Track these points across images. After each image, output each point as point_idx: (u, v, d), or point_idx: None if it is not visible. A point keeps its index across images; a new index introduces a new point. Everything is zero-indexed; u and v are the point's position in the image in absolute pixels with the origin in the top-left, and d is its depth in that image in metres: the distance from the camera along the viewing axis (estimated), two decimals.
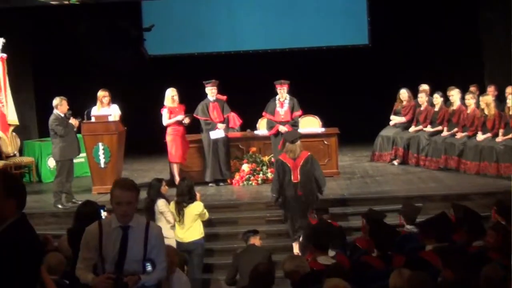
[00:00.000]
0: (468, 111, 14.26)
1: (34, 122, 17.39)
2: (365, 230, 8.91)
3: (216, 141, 13.91)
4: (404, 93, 15.63)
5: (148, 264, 5.64)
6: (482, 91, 14.85)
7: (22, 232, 4.54)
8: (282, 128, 13.60)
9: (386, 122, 15.93)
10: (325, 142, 14.46)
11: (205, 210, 10.67)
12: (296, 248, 11.12)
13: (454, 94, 14.62)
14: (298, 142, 11.49)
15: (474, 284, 6.01)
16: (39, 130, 17.11)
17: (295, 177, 11.29)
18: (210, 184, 13.92)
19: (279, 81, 13.78)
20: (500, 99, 14.43)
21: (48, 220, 12.22)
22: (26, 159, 15.73)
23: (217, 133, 13.84)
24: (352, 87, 18.03)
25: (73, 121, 12.88)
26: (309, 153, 11.60)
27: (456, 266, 6.50)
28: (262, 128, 14.77)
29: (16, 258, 4.40)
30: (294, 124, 13.72)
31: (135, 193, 5.58)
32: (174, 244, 10.35)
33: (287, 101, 13.77)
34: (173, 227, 10.62)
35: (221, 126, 13.88)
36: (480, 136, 13.85)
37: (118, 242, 5.59)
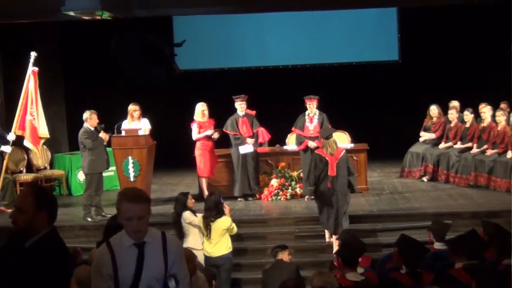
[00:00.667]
0: (499, 128, 14.18)
1: (64, 135, 17.50)
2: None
3: (245, 156, 13.91)
4: (434, 110, 15.57)
5: (171, 280, 4.96)
6: None
7: (53, 245, 4.60)
8: (312, 144, 13.58)
9: (415, 138, 15.87)
10: (354, 158, 14.40)
11: (233, 225, 10.66)
12: (335, 244, 11.35)
13: (486, 111, 14.51)
14: (333, 138, 11.93)
15: None
16: (69, 143, 17.22)
17: (332, 171, 11.68)
18: (239, 199, 13.92)
19: (309, 96, 13.80)
20: None
21: (78, 233, 12.29)
22: (56, 172, 15.84)
23: (246, 148, 13.85)
24: (381, 103, 17.98)
25: (103, 135, 12.97)
26: (344, 150, 12.17)
27: (486, 284, 6.45)
28: (291, 143, 14.75)
29: (46, 270, 4.46)
30: None
31: (146, 205, 4.82)
32: (202, 257, 10.40)
33: (316, 116, 13.77)
34: (198, 240, 10.65)
35: (250, 141, 13.89)
36: (510, 154, 13.76)
37: (134, 262, 4.84)
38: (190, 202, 10.77)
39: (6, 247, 4.71)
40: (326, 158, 11.73)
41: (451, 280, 7.16)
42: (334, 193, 11.66)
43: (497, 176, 13.88)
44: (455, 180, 14.69)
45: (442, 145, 15.18)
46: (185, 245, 10.40)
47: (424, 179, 15.28)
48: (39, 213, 4.57)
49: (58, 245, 4.67)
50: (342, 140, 15.08)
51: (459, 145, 14.88)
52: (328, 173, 11.71)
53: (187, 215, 10.61)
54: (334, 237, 11.65)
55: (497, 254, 8.16)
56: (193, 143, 13.93)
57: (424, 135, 15.71)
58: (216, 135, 13.78)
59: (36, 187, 4.89)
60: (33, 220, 4.56)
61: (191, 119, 13.95)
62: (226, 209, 10.79)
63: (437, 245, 9.05)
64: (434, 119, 15.59)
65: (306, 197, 12.65)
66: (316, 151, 12.27)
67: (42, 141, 14.20)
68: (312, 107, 13.76)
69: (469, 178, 14.36)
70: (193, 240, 10.56)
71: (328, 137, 11.89)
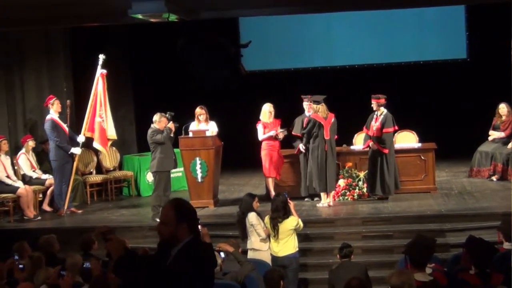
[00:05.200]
0: None
1: (133, 137, 17.71)
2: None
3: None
4: (503, 108, 15.35)
5: None
6: None
7: (195, 251, 5.01)
8: (371, 145, 13.52)
9: (484, 137, 15.66)
10: (422, 158, 14.30)
11: (300, 223, 10.63)
12: (324, 198, 13.35)
13: None
14: (323, 104, 13.53)
15: None
16: (138, 145, 17.43)
17: (327, 134, 13.35)
18: (306, 199, 13.88)
19: (376, 95, 13.69)
20: None
21: (147, 234, 12.38)
22: (125, 173, 16.03)
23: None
24: (449, 102, 17.81)
25: (171, 125, 13.06)
26: (334, 115, 13.62)
27: None
28: (358, 143, 14.69)
29: (191, 273, 4.90)
30: (382, 141, 13.51)
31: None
32: (268, 258, 10.42)
33: (381, 116, 13.64)
34: (263, 240, 10.62)
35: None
36: None
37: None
38: (256, 204, 10.77)
39: (156, 255, 5.20)
40: (321, 122, 13.31)
41: None
42: (327, 155, 13.23)
43: None
44: None
45: None
46: (249, 246, 10.43)
47: (493, 178, 15.06)
48: (180, 225, 5.00)
49: (200, 250, 5.08)
50: (410, 139, 15.00)
51: None
52: (324, 136, 13.30)
53: (252, 216, 10.60)
54: (330, 194, 13.42)
55: None
56: (259, 144, 13.95)
57: (493, 134, 15.50)
58: (281, 135, 13.79)
59: (177, 202, 5.22)
60: (176, 231, 5.00)
61: (257, 119, 13.98)
62: (291, 204, 10.78)
63: (507, 245, 8.90)
64: (503, 118, 15.37)
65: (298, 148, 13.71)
66: (312, 116, 13.59)
67: (110, 142, 14.39)
68: (377, 106, 13.64)
69: None
70: (256, 241, 10.57)
71: (319, 102, 13.48)
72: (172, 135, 13.14)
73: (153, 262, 5.13)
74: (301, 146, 13.63)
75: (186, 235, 5.03)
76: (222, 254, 9.07)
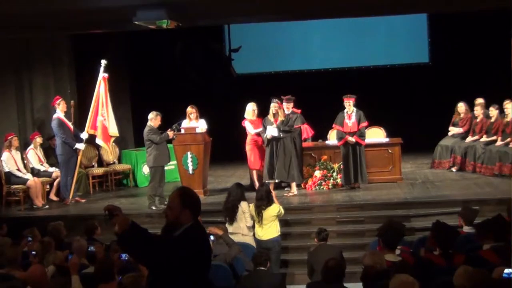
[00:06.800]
0: None
1: (130, 134, 17.66)
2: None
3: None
4: (461, 106, 15.45)
5: None
6: None
7: (194, 235, 5.08)
8: (350, 139, 13.55)
9: (445, 132, 15.73)
10: (389, 151, 14.36)
11: (281, 210, 10.65)
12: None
13: (509, 107, 14.32)
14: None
15: None
16: (135, 140, 17.39)
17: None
18: (286, 189, 13.89)
19: (347, 95, 13.73)
20: None
21: (144, 220, 12.34)
22: (124, 166, 16.01)
23: (272, 130, 13.58)
24: (413, 101, 17.87)
25: (170, 133, 13.12)
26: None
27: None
28: (332, 139, 14.71)
29: (190, 254, 4.97)
30: (361, 134, 13.64)
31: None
32: (252, 242, 10.45)
33: (354, 114, 13.68)
34: (250, 227, 10.64)
35: (274, 125, 13.64)
36: None
37: None
38: None
39: (161, 235, 5.25)
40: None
41: (480, 261, 7.09)
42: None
43: None
44: (481, 170, 14.52)
45: (469, 139, 15.00)
46: (236, 231, 10.42)
47: (453, 169, 15.12)
48: (184, 210, 5.05)
49: (199, 234, 5.15)
50: (378, 135, 15.03)
51: (484, 138, 14.69)
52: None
53: (244, 205, 10.60)
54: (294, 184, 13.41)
55: None
56: (244, 139, 13.95)
57: (453, 130, 15.57)
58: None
59: (183, 190, 5.29)
60: (179, 215, 5.05)
61: (242, 118, 13.96)
62: (273, 193, 10.84)
63: (466, 229, 8.98)
64: (462, 115, 15.46)
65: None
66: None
67: (113, 139, 14.37)
68: (350, 105, 13.68)
69: (494, 168, 14.18)
70: (245, 227, 10.58)
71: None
72: (169, 138, 13.21)
73: (157, 238, 5.19)
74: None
75: (188, 220, 5.06)
76: (212, 237, 9.09)
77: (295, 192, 13.41)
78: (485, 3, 10.86)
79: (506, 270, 5.98)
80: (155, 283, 5.09)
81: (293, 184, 13.49)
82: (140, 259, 5.30)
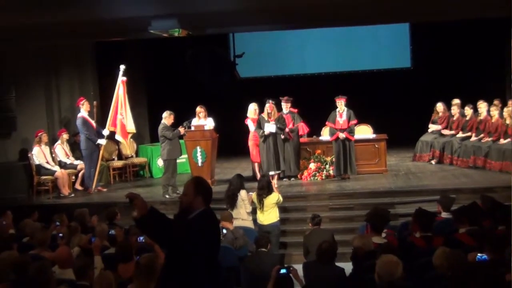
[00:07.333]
0: (493, 120, 14.02)
1: (146, 131, 17.64)
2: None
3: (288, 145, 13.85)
4: (440, 106, 15.45)
5: None
6: (504, 104, 14.53)
7: (205, 220, 5.10)
8: (341, 135, 13.55)
9: (425, 129, 15.72)
10: (376, 146, 14.34)
11: (280, 198, 10.66)
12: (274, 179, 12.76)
13: (482, 107, 14.38)
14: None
15: (501, 262, 5.87)
16: (150, 136, 17.37)
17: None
18: (284, 179, 13.89)
19: (338, 96, 13.73)
20: None
21: (158, 207, 11.99)
22: (140, 160, 15.99)
23: (270, 127, 13.57)
24: (397, 102, 17.83)
25: (182, 129, 13.06)
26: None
27: (485, 246, 6.38)
28: (325, 135, 14.70)
29: (201, 235, 4.99)
30: (351, 131, 13.63)
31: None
32: (251, 226, 10.53)
33: (345, 112, 13.67)
34: (249, 212, 10.66)
35: (272, 122, 13.60)
36: (502, 141, 13.58)
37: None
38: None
39: (176, 219, 5.25)
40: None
41: (456, 243, 7.10)
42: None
43: (491, 159, 13.69)
44: (457, 162, 14.53)
45: (447, 132, 15.06)
46: (236, 216, 10.42)
47: (432, 162, 15.11)
48: (197, 197, 5.09)
49: (210, 218, 5.18)
50: (366, 131, 15.02)
51: (460, 135, 14.71)
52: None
53: (243, 194, 10.63)
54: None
55: (494, 222, 8.08)
56: (247, 136, 13.96)
57: (432, 127, 15.56)
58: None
59: (197, 179, 5.33)
60: (193, 201, 5.09)
61: (245, 117, 13.98)
62: (273, 183, 10.85)
63: (444, 215, 8.99)
64: (440, 114, 15.45)
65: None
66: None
67: (130, 135, 14.40)
68: (341, 105, 13.67)
69: (469, 161, 14.19)
70: (244, 213, 10.59)
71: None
72: (180, 134, 13.17)
73: (173, 221, 5.19)
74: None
75: (201, 206, 5.09)
76: (224, 230, 9.09)
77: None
78: (486, 11, 10.76)
79: (479, 255, 6.01)
80: (171, 262, 5.09)
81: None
82: (158, 239, 5.30)
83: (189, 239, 4.93)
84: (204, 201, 5.12)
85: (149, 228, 5.08)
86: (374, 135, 14.80)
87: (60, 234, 8.58)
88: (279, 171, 13.51)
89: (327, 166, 14.00)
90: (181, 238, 4.94)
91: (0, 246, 7.58)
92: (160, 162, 15.05)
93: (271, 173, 13.08)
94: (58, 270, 6.68)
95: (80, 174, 14.14)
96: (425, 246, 7.20)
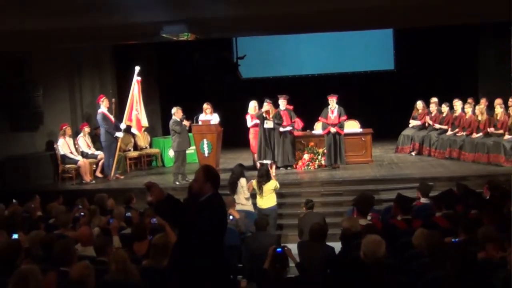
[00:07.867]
0: (467, 117, 14.03)
1: (159, 125, 17.64)
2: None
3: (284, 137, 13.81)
4: (419, 104, 15.45)
5: None
6: (477, 102, 14.55)
7: (214, 203, 5.08)
8: (332, 129, 13.54)
9: (406, 124, 15.72)
10: (363, 139, 14.34)
11: (277, 185, 10.66)
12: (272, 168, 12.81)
13: (458, 105, 14.41)
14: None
15: (473, 242, 5.89)
16: (162, 130, 17.36)
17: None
18: (281, 168, 13.88)
19: (330, 94, 13.73)
20: (490, 108, 14.07)
21: (170, 192, 12.26)
22: (153, 150, 15.99)
23: (269, 124, 13.51)
24: (382, 100, 17.80)
25: (186, 122, 13.06)
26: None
27: (459, 228, 6.40)
28: (318, 129, 14.68)
29: (210, 217, 4.99)
30: (341, 126, 13.62)
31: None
32: (251, 209, 10.53)
33: (336, 109, 13.67)
34: (248, 198, 10.65)
35: (270, 120, 13.51)
36: (475, 135, 13.59)
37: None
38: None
39: (186, 202, 5.40)
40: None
41: (433, 225, 7.11)
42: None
43: (465, 151, 13.70)
44: (435, 154, 14.53)
45: (437, 126, 14.98)
46: (237, 201, 10.37)
47: (413, 153, 15.12)
48: (206, 183, 5.07)
49: (218, 201, 5.16)
50: (354, 126, 15.00)
51: (438, 126, 14.74)
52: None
53: (243, 181, 10.63)
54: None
55: (467, 207, 8.09)
56: (248, 129, 13.94)
57: (412, 122, 15.57)
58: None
59: (207, 167, 5.30)
60: (203, 186, 5.07)
61: (246, 112, 13.96)
62: (271, 172, 10.84)
63: (423, 200, 8.99)
64: (420, 111, 15.45)
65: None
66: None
67: (143, 128, 14.40)
68: (332, 102, 13.67)
69: (445, 153, 14.20)
70: (243, 199, 10.60)
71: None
72: (187, 129, 13.17)
73: (185, 206, 5.22)
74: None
75: (209, 191, 5.07)
76: (231, 217, 9.09)
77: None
78: (486, 16, 10.67)
79: (453, 239, 6.04)
80: (183, 240, 5.10)
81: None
82: (172, 220, 5.35)
83: (199, 220, 4.94)
84: (213, 186, 5.11)
85: (165, 211, 5.09)
86: (361, 130, 14.78)
87: (82, 213, 8.59)
88: (271, 161, 13.44)
89: (319, 157, 14.00)
90: (193, 218, 4.96)
91: (29, 227, 7.61)
92: (171, 153, 15.03)
93: (266, 161, 13.05)
94: (80, 247, 6.70)
95: (100, 163, 14.14)
96: (406, 228, 7.22)
